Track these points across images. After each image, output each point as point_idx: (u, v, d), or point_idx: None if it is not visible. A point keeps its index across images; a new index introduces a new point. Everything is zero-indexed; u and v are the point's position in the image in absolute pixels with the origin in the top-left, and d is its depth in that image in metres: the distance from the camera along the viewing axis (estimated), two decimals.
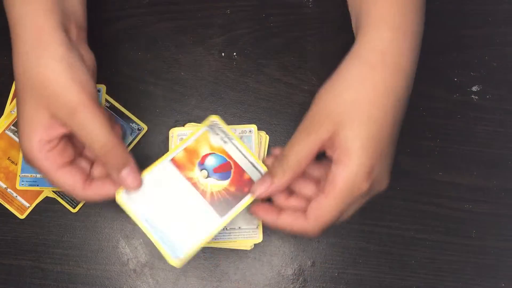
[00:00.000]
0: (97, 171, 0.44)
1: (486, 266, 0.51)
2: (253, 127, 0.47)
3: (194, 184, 0.42)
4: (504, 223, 0.51)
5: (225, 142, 0.43)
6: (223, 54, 0.54)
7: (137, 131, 0.53)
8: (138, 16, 0.55)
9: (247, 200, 0.42)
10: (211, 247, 0.50)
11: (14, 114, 0.52)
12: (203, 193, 0.42)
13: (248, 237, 0.49)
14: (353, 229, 0.51)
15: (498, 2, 0.55)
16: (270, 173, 0.41)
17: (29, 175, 0.51)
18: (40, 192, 0.51)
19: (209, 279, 0.50)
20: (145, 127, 0.52)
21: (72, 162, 0.43)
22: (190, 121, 0.52)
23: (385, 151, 0.40)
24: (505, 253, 0.51)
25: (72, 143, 0.44)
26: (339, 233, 0.51)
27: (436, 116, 0.53)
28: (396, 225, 0.51)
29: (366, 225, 0.51)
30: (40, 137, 0.41)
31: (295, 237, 0.51)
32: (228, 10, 0.55)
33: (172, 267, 0.50)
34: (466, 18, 0.55)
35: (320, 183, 0.41)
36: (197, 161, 0.43)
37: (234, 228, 0.48)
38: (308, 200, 0.41)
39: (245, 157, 0.43)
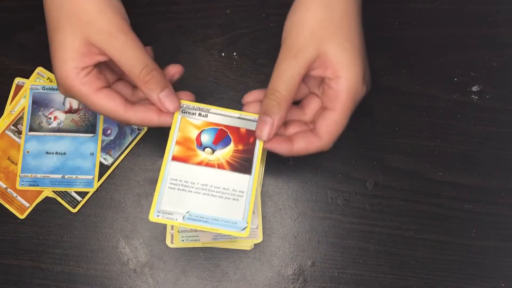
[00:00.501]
0: (135, 97, 0.45)
1: (486, 266, 0.51)
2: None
3: (208, 165, 0.43)
4: (504, 223, 0.51)
5: (205, 116, 0.44)
6: (223, 54, 0.54)
7: (137, 131, 0.53)
8: (138, 16, 0.55)
9: (259, 147, 0.44)
10: (211, 247, 0.50)
11: (14, 114, 0.52)
12: (220, 166, 0.43)
13: (248, 237, 0.49)
14: (353, 229, 0.51)
15: (498, 2, 0.55)
16: (266, 112, 0.42)
17: (29, 175, 0.51)
18: (40, 192, 0.51)
19: (209, 279, 0.50)
20: (145, 127, 0.52)
21: (110, 86, 0.43)
22: None
23: (365, 52, 0.43)
24: (505, 253, 0.51)
25: (110, 70, 0.44)
26: (339, 233, 0.51)
27: (436, 116, 0.53)
28: (396, 225, 0.51)
29: (366, 225, 0.51)
30: (76, 64, 0.41)
31: (295, 237, 0.51)
32: (228, 10, 0.55)
33: (172, 267, 0.50)
34: (466, 18, 0.55)
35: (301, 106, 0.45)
36: (195, 145, 0.44)
37: None
38: (303, 122, 0.44)
39: (230, 116, 0.45)
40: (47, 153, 0.52)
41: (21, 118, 0.52)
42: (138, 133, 0.52)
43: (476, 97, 0.54)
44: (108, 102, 0.42)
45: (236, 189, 0.43)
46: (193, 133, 0.44)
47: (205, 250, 0.51)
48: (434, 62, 0.54)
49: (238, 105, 0.53)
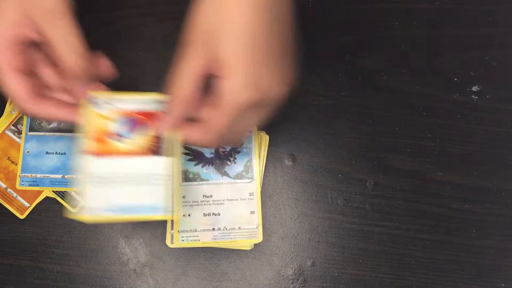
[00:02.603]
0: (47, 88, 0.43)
1: (486, 266, 0.51)
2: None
3: (127, 154, 0.43)
4: (504, 223, 0.51)
5: (116, 105, 0.43)
6: None
7: None
8: (138, 16, 0.55)
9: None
10: (211, 247, 0.50)
11: (14, 114, 0.52)
12: (137, 153, 0.42)
13: (248, 237, 0.49)
14: (353, 229, 0.51)
15: (498, 2, 0.55)
16: (166, 109, 0.42)
17: (29, 175, 0.51)
18: (40, 192, 0.51)
19: (209, 279, 0.50)
20: None
21: (29, 73, 0.42)
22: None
23: (267, 57, 0.39)
24: (505, 253, 0.51)
25: (39, 57, 0.43)
26: (339, 233, 0.51)
27: (436, 116, 0.53)
28: (396, 225, 0.51)
29: (366, 225, 0.51)
30: (6, 32, 0.40)
31: (295, 237, 0.51)
32: None
33: (172, 267, 0.50)
34: (466, 18, 0.55)
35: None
36: (110, 137, 0.43)
37: (234, 228, 0.48)
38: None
39: (139, 101, 0.44)
40: (47, 153, 0.52)
41: (21, 118, 0.52)
42: None
43: (476, 97, 0.54)
44: (18, 86, 0.41)
45: (155, 173, 0.42)
46: (106, 125, 0.43)
47: (205, 250, 0.51)
48: (434, 62, 0.54)
49: None
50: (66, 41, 0.40)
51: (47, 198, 0.52)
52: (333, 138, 0.53)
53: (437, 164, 0.52)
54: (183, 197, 0.47)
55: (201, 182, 0.48)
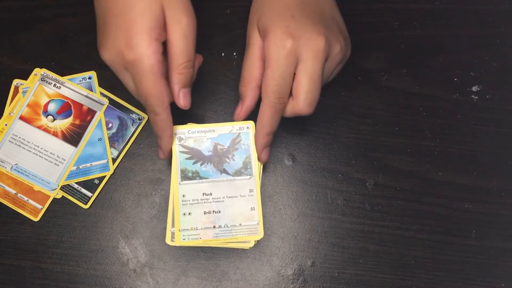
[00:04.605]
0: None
1: (486, 266, 0.51)
2: (251, 123, 0.48)
3: (45, 130, 0.51)
4: (504, 223, 0.51)
5: (58, 87, 0.51)
6: (223, 54, 0.54)
7: (138, 121, 0.53)
8: None
9: (92, 127, 0.52)
10: (211, 247, 0.50)
11: (14, 115, 0.52)
12: (55, 134, 0.51)
13: (249, 234, 0.48)
14: (353, 229, 0.51)
15: (498, 2, 0.55)
16: (240, 96, 0.47)
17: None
18: (48, 196, 0.51)
19: (209, 279, 0.50)
20: (145, 116, 0.53)
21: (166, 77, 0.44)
22: (190, 121, 0.52)
23: (306, 17, 0.45)
24: (505, 253, 0.51)
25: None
26: (339, 233, 0.51)
27: (436, 116, 0.53)
28: (396, 225, 0.51)
29: (366, 225, 0.51)
30: (156, 36, 0.41)
31: (295, 237, 0.51)
32: (228, 10, 0.55)
33: (172, 267, 0.50)
34: (466, 18, 0.55)
35: None
36: (41, 111, 0.52)
37: (235, 225, 0.48)
38: None
39: (79, 93, 0.52)
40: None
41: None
42: (140, 123, 0.53)
43: (476, 97, 0.54)
44: (164, 92, 0.43)
45: (60, 156, 0.51)
46: (43, 100, 0.52)
47: (205, 250, 0.51)
48: (434, 62, 0.54)
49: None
50: (181, 42, 0.42)
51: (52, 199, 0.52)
52: (333, 138, 0.53)
53: (437, 164, 0.52)
54: (183, 195, 0.48)
55: (200, 180, 0.48)
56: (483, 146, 0.53)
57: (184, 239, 0.49)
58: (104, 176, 0.52)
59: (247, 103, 0.47)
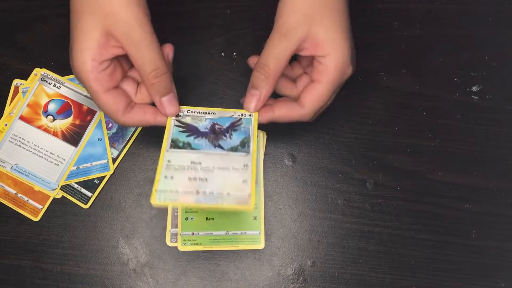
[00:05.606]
0: (139, 97, 0.46)
1: (486, 266, 0.51)
2: (255, 113, 0.45)
3: (45, 130, 0.51)
4: (504, 223, 0.51)
5: (58, 87, 0.51)
6: (223, 54, 0.54)
7: None
8: None
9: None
10: (212, 248, 0.50)
11: (14, 115, 0.52)
12: (55, 134, 0.51)
13: (237, 204, 0.42)
14: (353, 229, 0.51)
15: (498, 2, 0.55)
16: (254, 85, 0.45)
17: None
18: (48, 196, 0.51)
19: (209, 279, 0.50)
20: None
21: (118, 86, 0.44)
22: None
23: (351, 36, 0.45)
24: (505, 253, 0.51)
25: (120, 65, 0.45)
26: (339, 233, 0.51)
27: (436, 116, 0.53)
28: (396, 225, 0.51)
29: (366, 225, 0.51)
30: (94, 56, 0.42)
31: (295, 237, 0.51)
32: (228, 10, 0.55)
33: (172, 267, 0.50)
34: (466, 18, 0.55)
35: (292, 81, 0.48)
36: (41, 110, 0.52)
37: (222, 194, 0.43)
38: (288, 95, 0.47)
39: (79, 93, 0.52)
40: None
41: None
42: None
43: (476, 97, 0.54)
44: (112, 106, 0.44)
45: (60, 156, 0.51)
46: (44, 100, 0.52)
47: (205, 250, 0.51)
48: (434, 62, 0.54)
49: (238, 105, 0.53)
50: (140, 55, 0.42)
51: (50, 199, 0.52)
52: (333, 138, 0.53)
53: (437, 164, 0.52)
54: (168, 161, 0.43)
55: (190, 150, 0.44)
56: (483, 146, 0.53)
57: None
58: (104, 176, 0.52)
59: (265, 95, 0.45)
